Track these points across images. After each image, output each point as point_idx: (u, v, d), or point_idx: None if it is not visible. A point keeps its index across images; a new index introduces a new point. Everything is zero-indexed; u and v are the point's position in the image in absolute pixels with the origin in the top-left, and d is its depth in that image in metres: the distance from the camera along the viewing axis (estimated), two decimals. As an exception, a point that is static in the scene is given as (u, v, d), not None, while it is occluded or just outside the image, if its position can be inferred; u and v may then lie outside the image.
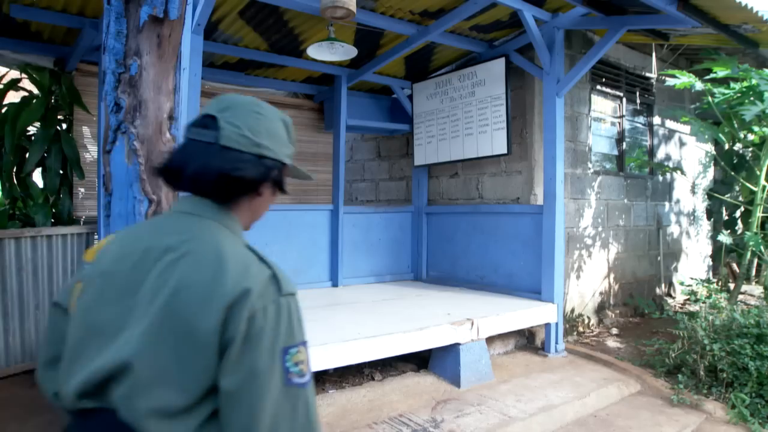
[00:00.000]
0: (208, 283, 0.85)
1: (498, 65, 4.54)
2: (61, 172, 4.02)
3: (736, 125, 4.73)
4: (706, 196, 6.34)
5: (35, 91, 4.09)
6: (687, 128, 6.17)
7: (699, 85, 4.41)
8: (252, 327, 0.83)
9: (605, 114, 5.29)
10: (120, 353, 0.83)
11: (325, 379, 3.24)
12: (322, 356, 2.71)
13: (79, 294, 0.95)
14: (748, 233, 4.36)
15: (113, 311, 0.88)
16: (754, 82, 4.11)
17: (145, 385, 0.82)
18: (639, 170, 5.71)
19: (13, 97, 4.07)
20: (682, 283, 5.03)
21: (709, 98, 4.50)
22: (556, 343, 4.02)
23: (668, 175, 6.01)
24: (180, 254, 0.89)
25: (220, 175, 0.95)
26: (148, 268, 0.89)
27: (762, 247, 4.25)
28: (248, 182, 0.98)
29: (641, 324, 5.11)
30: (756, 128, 4.49)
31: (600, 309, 5.09)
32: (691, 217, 6.42)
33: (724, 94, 4.32)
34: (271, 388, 0.83)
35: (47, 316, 1.05)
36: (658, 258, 5.84)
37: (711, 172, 6.73)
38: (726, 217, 5.57)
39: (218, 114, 0.98)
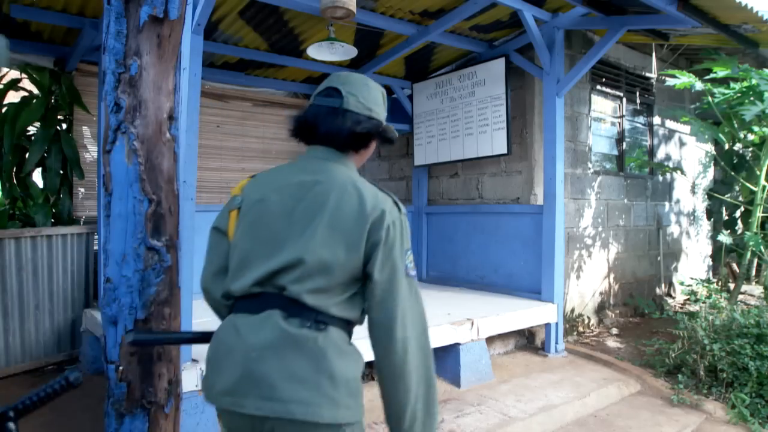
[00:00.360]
0: (356, 206, 1.22)
1: (498, 65, 4.54)
2: (61, 172, 4.02)
3: (736, 125, 4.73)
4: (706, 196, 6.34)
5: (35, 91, 4.09)
6: (687, 128, 6.17)
7: (699, 85, 4.41)
8: (388, 235, 1.21)
9: (605, 114, 5.29)
10: (295, 253, 1.19)
11: (325, 379, 3.24)
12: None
13: (237, 219, 1.28)
14: (748, 233, 4.36)
15: (277, 227, 1.23)
16: (754, 82, 4.11)
17: (311, 274, 1.19)
18: (639, 170, 5.71)
19: (13, 97, 4.07)
20: (682, 283, 5.02)
21: (709, 98, 4.50)
22: (556, 343, 4.02)
23: (668, 175, 6.01)
24: (328, 186, 1.25)
25: (349, 132, 1.31)
26: (303, 196, 1.24)
27: (762, 247, 4.25)
28: (365, 136, 1.35)
29: (641, 324, 5.11)
30: (756, 128, 4.49)
31: (600, 309, 5.09)
32: (691, 217, 6.41)
33: (724, 94, 4.32)
34: (402, 277, 1.23)
35: (209, 239, 1.33)
36: (658, 258, 5.84)
37: (711, 172, 6.73)
38: (726, 217, 5.57)
39: (340, 86, 1.34)
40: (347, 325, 1.32)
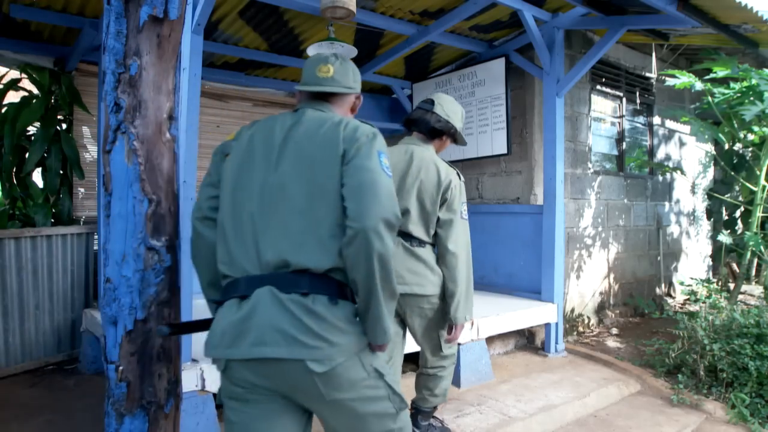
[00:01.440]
0: (434, 176, 2.18)
1: (498, 65, 4.54)
2: (61, 172, 4.02)
3: (736, 125, 4.73)
4: (706, 196, 6.34)
5: (35, 91, 4.09)
6: (687, 128, 6.17)
7: (699, 85, 4.41)
8: (452, 194, 2.19)
9: (605, 114, 5.29)
10: (403, 204, 2.18)
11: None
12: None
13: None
14: (748, 233, 4.36)
15: (396, 182, 2.18)
16: (754, 82, 4.11)
17: (413, 218, 2.20)
18: (639, 170, 5.71)
19: (13, 97, 4.07)
20: (682, 283, 5.02)
21: (709, 98, 4.50)
22: (556, 343, 4.02)
23: (668, 175, 6.01)
24: (419, 162, 2.21)
25: (431, 126, 2.29)
26: (408, 163, 2.24)
27: (762, 247, 4.25)
28: (439, 131, 2.31)
29: (641, 324, 5.11)
30: (756, 128, 4.49)
31: (600, 309, 5.09)
32: (691, 217, 6.41)
33: (724, 94, 4.32)
34: (459, 219, 2.21)
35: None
36: (658, 258, 5.84)
37: (711, 172, 6.73)
38: (726, 217, 5.57)
39: (435, 98, 2.32)
40: (431, 246, 2.28)
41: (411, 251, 2.19)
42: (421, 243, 2.21)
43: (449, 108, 2.30)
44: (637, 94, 5.50)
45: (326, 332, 1.28)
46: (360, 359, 1.35)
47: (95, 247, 3.96)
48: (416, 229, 2.19)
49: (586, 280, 4.93)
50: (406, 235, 2.19)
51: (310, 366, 1.25)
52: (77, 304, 3.82)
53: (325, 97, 1.54)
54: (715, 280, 5.46)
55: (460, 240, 2.19)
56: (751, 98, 4.17)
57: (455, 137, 2.34)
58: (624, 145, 5.45)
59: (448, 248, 2.17)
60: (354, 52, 4.01)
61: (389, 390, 1.41)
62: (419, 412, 2.47)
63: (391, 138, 6.30)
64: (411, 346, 2.62)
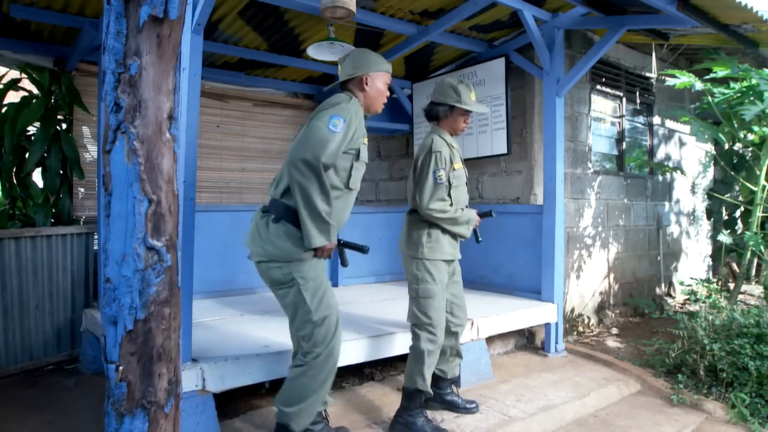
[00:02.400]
0: (427, 147, 2.62)
1: (498, 65, 4.54)
2: (61, 172, 4.02)
3: (736, 125, 4.73)
4: (706, 196, 6.34)
5: (35, 91, 4.09)
6: (687, 128, 6.17)
7: (699, 85, 4.41)
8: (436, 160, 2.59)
9: (605, 114, 5.29)
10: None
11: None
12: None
13: None
14: (748, 233, 4.36)
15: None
16: (754, 82, 4.11)
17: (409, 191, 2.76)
18: (639, 170, 5.71)
19: (13, 97, 4.07)
20: (682, 283, 5.02)
21: (709, 98, 4.50)
22: (556, 342, 4.02)
23: (668, 175, 6.01)
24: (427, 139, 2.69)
25: (425, 112, 2.74)
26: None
27: (762, 247, 4.25)
28: (435, 114, 2.68)
29: (641, 324, 5.12)
30: (756, 128, 4.49)
31: (600, 309, 5.09)
32: (691, 217, 6.42)
33: (724, 94, 4.32)
34: (431, 174, 2.58)
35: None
36: (658, 258, 5.84)
37: (711, 172, 6.73)
38: (726, 217, 5.57)
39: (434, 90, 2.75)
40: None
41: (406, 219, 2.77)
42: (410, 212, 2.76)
43: (439, 91, 2.67)
44: (637, 94, 5.50)
45: (262, 239, 2.11)
46: (282, 266, 2.08)
47: (95, 247, 3.96)
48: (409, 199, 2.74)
49: (586, 280, 4.93)
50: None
51: (251, 257, 2.16)
52: (77, 304, 3.82)
53: (342, 87, 2.32)
54: (715, 280, 5.46)
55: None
56: (751, 98, 4.17)
57: (451, 109, 2.65)
58: (624, 145, 5.45)
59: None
60: (354, 52, 4.01)
61: (300, 297, 2.09)
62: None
63: (392, 138, 6.30)
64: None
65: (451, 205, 2.63)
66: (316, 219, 2.02)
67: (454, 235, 2.69)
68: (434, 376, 2.80)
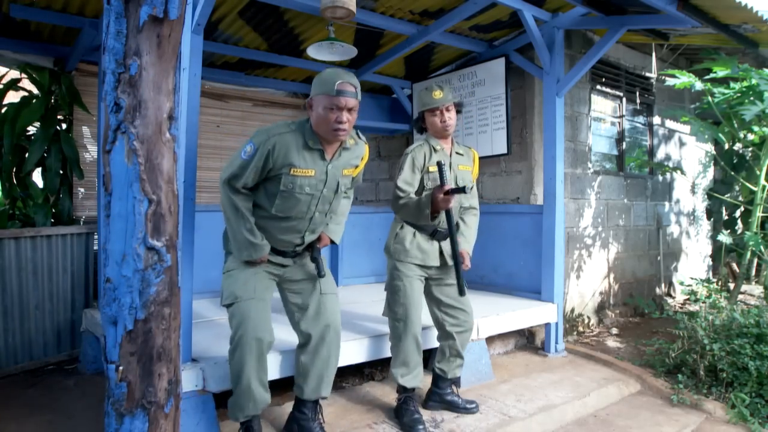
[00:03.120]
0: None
1: (498, 65, 4.54)
2: (60, 172, 4.02)
3: (736, 125, 4.73)
4: (706, 196, 6.34)
5: (35, 91, 4.09)
6: (687, 128, 6.17)
7: (699, 85, 4.40)
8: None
9: (605, 114, 5.29)
10: None
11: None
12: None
13: None
14: (748, 233, 4.36)
15: None
16: (754, 81, 4.11)
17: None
18: (639, 170, 5.71)
19: (12, 97, 4.07)
20: (682, 283, 5.02)
21: (709, 98, 4.50)
22: (556, 342, 4.02)
23: (668, 175, 6.01)
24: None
25: (416, 129, 3.07)
26: None
27: (762, 247, 4.25)
28: (418, 128, 2.79)
29: (641, 324, 5.11)
30: (756, 128, 4.49)
31: (600, 309, 5.09)
32: (691, 217, 6.42)
33: (724, 94, 4.32)
34: (398, 171, 2.68)
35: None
36: (658, 258, 5.84)
37: (711, 172, 6.73)
38: (726, 217, 5.57)
39: None
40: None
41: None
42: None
43: (418, 98, 2.76)
44: (637, 94, 5.50)
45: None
46: (225, 258, 2.38)
47: (95, 247, 3.96)
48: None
49: (586, 280, 4.93)
50: None
51: None
52: (77, 304, 3.82)
53: None
54: (715, 280, 5.46)
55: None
56: (751, 98, 4.17)
57: (422, 115, 2.71)
58: (624, 145, 5.45)
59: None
60: (354, 52, 4.01)
61: (222, 286, 2.30)
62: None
63: (392, 138, 6.30)
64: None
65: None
66: (233, 235, 2.23)
67: (429, 239, 2.70)
68: (435, 376, 2.84)
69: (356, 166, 2.36)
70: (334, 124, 2.09)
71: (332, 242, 2.47)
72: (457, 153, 2.78)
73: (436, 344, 3.04)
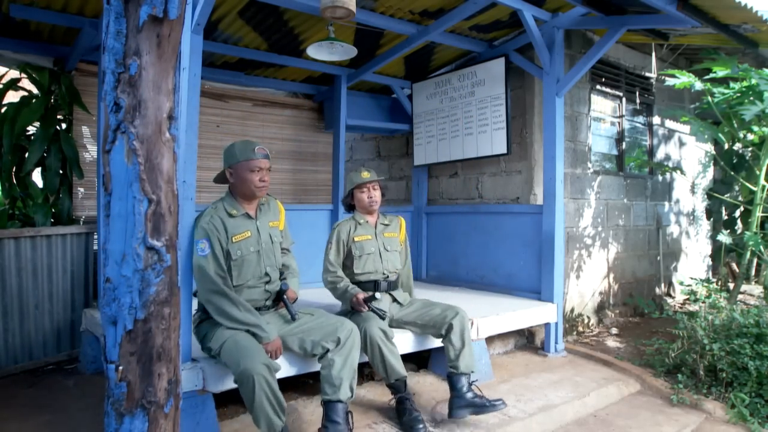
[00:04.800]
0: None
1: (498, 65, 4.54)
2: (60, 171, 4.02)
3: (735, 125, 4.73)
4: (705, 196, 6.34)
5: (35, 90, 4.09)
6: (687, 128, 6.17)
7: (699, 85, 4.40)
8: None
9: (605, 114, 5.29)
10: None
11: (325, 378, 3.23)
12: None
13: None
14: (747, 233, 4.36)
15: None
16: (753, 81, 4.11)
17: None
18: (639, 170, 5.71)
19: (12, 97, 4.07)
20: (681, 283, 5.02)
21: (709, 98, 4.50)
22: (556, 342, 4.02)
23: (668, 175, 6.01)
24: None
25: (343, 201, 3.24)
26: None
27: (762, 247, 4.25)
28: (346, 205, 3.19)
29: (641, 324, 5.12)
30: (756, 128, 4.49)
31: (600, 309, 5.09)
32: (691, 217, 6.42)
33: (723, 94, 4.32)
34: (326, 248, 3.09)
35: None
36: (658, 258, 5.84)
37: (711, 172, 6.73)
38: (726, 217, 5.57)
39: None
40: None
41: None
42: None
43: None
44: (637, 93, 5.50)
45: None
46: (204, 344, 2.46)
47: (95, 247, 3.96)
48: None
49: (586, 280, 4.93)
50: None
51: None
52: (77, 304, 3.82)
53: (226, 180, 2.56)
54: (714, 279, 5.46)
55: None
56: (751, 98, 4.17)
57: (350, 192, 3.07)
58: (624, 145, 5.45)
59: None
60: (354, 51, 4.01)
61: (224, 361, 2.31)
62: None
63: (392, 138, 6.30)
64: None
65: (354, 272, 3.01)
66: (237, 325, 2.36)
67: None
68: (450, 382, 2.80)
69: (278, 219, 2.71)
70: (258, 183, 2.45)
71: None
72: (382, 223, 3.13)
73: (437, 344, 3.05)
